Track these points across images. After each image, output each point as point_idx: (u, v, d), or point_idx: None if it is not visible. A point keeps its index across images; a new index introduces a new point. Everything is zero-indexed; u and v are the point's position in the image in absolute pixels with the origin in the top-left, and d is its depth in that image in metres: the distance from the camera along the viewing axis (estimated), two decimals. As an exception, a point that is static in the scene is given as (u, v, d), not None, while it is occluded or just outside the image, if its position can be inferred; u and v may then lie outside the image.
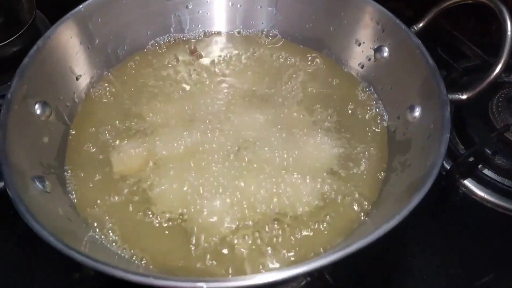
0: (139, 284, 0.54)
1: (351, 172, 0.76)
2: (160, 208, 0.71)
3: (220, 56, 0.93)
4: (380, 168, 0.77)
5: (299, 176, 0.74)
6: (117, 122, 0.82)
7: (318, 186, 0.73)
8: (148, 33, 0.92)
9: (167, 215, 0.71)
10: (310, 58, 0.91)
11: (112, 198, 0.73)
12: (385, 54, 0.84)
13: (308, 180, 0.73)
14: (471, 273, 0.81)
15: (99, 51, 0.86)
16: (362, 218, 0.71)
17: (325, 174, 0.75)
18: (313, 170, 0.75)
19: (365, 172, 0.76)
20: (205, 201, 0.71)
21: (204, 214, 0.70)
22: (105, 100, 0.85)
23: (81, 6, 0.81)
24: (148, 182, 0.74)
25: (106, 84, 0.87)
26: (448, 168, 0.89)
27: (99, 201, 0.72)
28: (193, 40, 0.94)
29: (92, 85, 0.86)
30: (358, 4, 0.84)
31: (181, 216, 0.70)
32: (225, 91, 0.87)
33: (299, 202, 0.71)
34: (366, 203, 0.72)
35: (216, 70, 0.90)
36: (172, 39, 0.93)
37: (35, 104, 0.74)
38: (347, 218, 0.71)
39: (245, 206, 0.71)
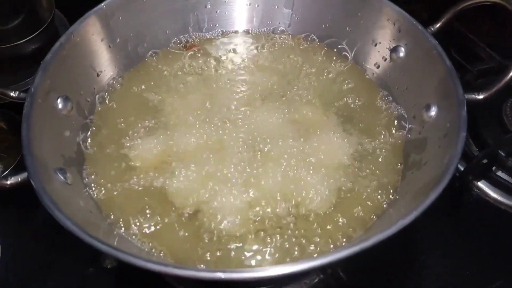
0: (158, 274, 0.55)
1: (366, 169, 0.77)
2: (178, 202, 0.72)
3: (237, 54, 0.94)
4: (395, 166, 0.77)
5: (315, 172, 0.75)
6: (135, 117, 0.83)
7: (334, 182, 0.74)
8: (167, 31, 0.93)
9: (185, 209, 0.72)
10: (326, 57, 0.92)
11: (131, 191, 0.74)
12: (401, 54, 0.84)
13: (323, 177, 0.74)
14: (483, 275, 0.82)
15: (120, 48, 0.88)
16: (377, 216, 0.71)
17: (340, 171, 0.76)
18: (329, 167, 0.76)
19: (380, 169, 0.77)
20: (222, 196, 0.72)
21: (220, 209, 0.71)
22: (124, 96, 0.86)
23: (103, 4, 0.83)
24: (166, 176, 0.75)
25: (126, 80, 0.88)
26: (462, 169, 0.90)
27: (118, 195, 0.74)
28: (194, 37, 0.95)
29: (112, 81, 0.87)
30: (375, 5, 0.85)
31: (198, 211, 0.71)
32: (241, 88, 0.88)
33: (314, 198, 0.72)
34: (382, 201, 0.73)
35: (233, 68, 0.92)
36: (191, 37, 0.95)
37: (57, 98, 0.76)
38: (362, 215, 0.72)
39: (262, 201, 0.72)
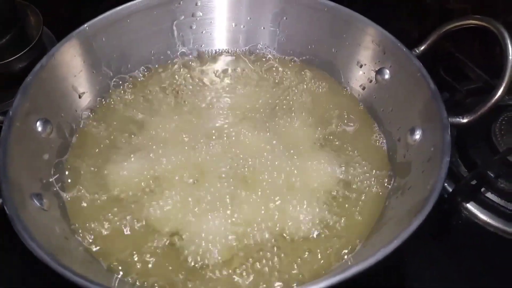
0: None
1: (351, 193, 0.76)
2: (160, 229, 0.71)
3: (222, 75, 0.93)
4: (380, 191, 0.76)
5: (299, 197, 0.74)
6: (117, 140, 0.82)
7: (318, 208, 0.73)
8: (152, 51, 0.93)
9: (166, 236, 0.70)
10: (311, 78, 0.92)
11: (111, 217, 0.72)
12: (386, 76, 0.84)
13: (308, 202, 0.73)
14: (473, 298, 0.80)
15: (103, 69, 0.87)
16: (361, 241, 0.70)
17: (325, 195, 0.75)
18: (313, 191, 0.75)
19: (365, 194, 0.76)
20: (204, 222, 0.70)
21: (203, 235, 0.69)
22: (106, 118, 0.85)
23: (85, 25, 0.82)
24: (147, 202, 0.73)
25: (108, 102, 0.88)
26: (451, 190, 0.88)
27: (96, 221, 0.72)
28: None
29: (94, 103, 0.86)
30: (359, 26, 0.85)
31: (180, 237, 0.70)
32: (226, 109, 0.87)
33: (298, 224, 0.71)
34: (366, 227, 0.72)
35: (218, 88, 0.91)
36: (176, 58, 0.94)
37: (37, 121, 0.75)
38: (346, 242, 0.70)
39: (245, 227, 0.70)
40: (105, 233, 0.71)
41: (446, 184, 0.88)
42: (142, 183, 0.76)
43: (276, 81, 0.92)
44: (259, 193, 0.74)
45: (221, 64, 0.95)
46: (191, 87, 0.91)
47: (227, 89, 0.91)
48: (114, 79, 0.89)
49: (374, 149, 0.82)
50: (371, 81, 0.87)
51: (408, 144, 0.77)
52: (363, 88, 0.89)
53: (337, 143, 0.83)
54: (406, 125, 0.78)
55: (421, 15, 1.07)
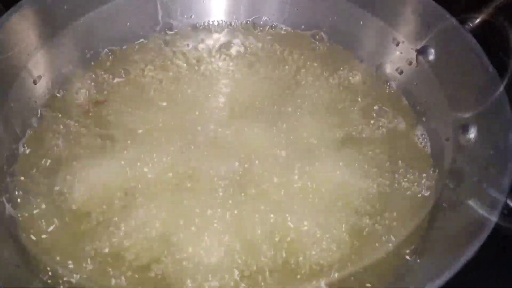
0: None
1: (381, 209, 0.75)
2: (134, 253, 0.70)
3: (218, 54, 0.93)
4: (422, 205, 0.75)
5: (312, 211, 0.73)
6: (83, 138, 0.81)
7: (337, 226, 0.72)
8: (128, 24, 0.92)
9: (142, 262, 0.69)
10: (331, 60, 0.92)
11: (72, 237, 0.71)
12: (431, 57, 0.84)
13: (323, 217, 0.72)
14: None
15: (64, 46, 0.86)
16: (399, 270, 0.70)
17: (347, 209, 0.74)
18: (331, 203, 0.74)
19: (400, 210, 0.75)
20: (192, 245, 0.70)
21: (190, 262, 0.69)
22: (69, 109, 0.84)
23: (42, -11, 0.81)
24: (119, 218, 0.72)
25: (71, 88, 0.87)
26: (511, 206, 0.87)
27: (53, 241, 0.71)
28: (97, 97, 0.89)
29: (54, 89, 0.86)
30: (397, -8, 0.85)
31: (160, 264, 0.69)
32: (223, 98, 0.87)
33: (311, 245, 0.70)
34: (405, 250, 0.71)
35: (213, 72, 0.91)
36: (158, 33, 0.94)
37: (-22, 113, 0.74)
38: (378, 272, 0.70)
39: (245, 251, 0.70)
40: (64, 255, 0.70)
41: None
42: (116, 195, 0.75)
43: (285, 63, 0.91)
44: (263, 204, 0.73)
45: (216, 40, 0.95)
46: (177, 70, 0.90)
47: (224, 72, 0.90)
48: (80, 59, 0.89)
49: (414, 151, 0.82)
50: (411, 64, 0.87)
51: (459, 145, 0.76)
52: (400, 72, 0.88)
53: (363, 142, 0.82)
54: (457, 121, 0.77)
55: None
